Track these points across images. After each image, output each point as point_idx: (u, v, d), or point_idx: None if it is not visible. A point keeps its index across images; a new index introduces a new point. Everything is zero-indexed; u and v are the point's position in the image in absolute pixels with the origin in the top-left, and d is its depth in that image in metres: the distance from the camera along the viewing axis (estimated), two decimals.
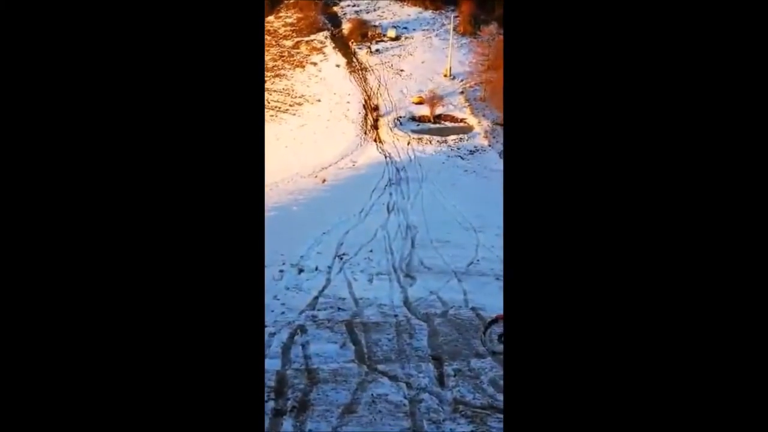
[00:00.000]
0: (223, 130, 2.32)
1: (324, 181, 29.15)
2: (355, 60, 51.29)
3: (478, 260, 13.63)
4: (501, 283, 11.07)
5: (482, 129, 39.58)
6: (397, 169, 31.19)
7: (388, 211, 21.47)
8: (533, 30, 2.27)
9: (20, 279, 2.13)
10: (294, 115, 44.92)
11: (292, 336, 6.78)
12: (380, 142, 38.85)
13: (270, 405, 4.41)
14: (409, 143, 37.52)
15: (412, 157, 34.50)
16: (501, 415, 4.30)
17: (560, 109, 2.23)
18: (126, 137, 2.25)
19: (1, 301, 2.11)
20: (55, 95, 2.21)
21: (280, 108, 45.11)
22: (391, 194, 25.12)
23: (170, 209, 2.27)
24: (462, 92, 45.09)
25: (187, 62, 2.30)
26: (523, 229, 2.25)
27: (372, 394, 4.75)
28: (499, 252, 14.34)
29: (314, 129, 42.14)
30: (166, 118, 2.28)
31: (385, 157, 34.53)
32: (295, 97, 47.36)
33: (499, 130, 38.80)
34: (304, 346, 6.38)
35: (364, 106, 44.20)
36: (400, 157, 34.42)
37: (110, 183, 2.23)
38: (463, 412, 4.38)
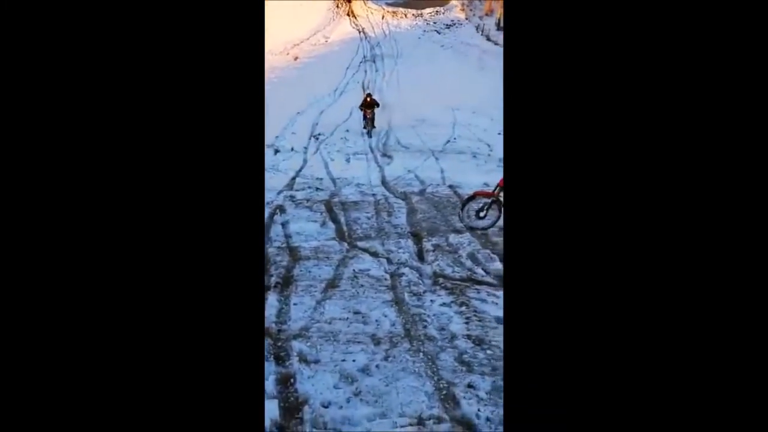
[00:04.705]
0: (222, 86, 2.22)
1: (296, 58, 27.97)
2: None
3: (454, 138, 13.59)
4: (478, 161, 11.15)
5: (459, 1, 37.84)
6: (372, 45, 30.06)
7: (364, 90, 20.98)
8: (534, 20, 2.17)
9: (17, 276, 2.11)
10: None
11: (271, 215, 6.83)
12: (354, 16, 37.03)
13: None
14: (383, 17, 35.82)
15: (387, 32, 33.13)
16: (479, 287, 4.47)
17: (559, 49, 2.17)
18: (117, 100, 2.16)
19: (0, 301, 2.11)
20: (54, 75, 2.13)
21: None
22: (366, 72, 24.42)
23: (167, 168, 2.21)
24: None
25: (184, 25, 2.17)
26: (523, 155, 2.22)
27: (354, 270, 4.87)
28: (476, 130, 14.30)
29: (283, 2, 39.89)
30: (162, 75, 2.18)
31: (359, 32, 33.11)
32: None
33: (477, 2, 37.18)
34: (284, 225, 6.43)
35: None
36: (374, 32, 33.01)
37: (108, 160, 2.15)
38: (443, 285, 4.54)
